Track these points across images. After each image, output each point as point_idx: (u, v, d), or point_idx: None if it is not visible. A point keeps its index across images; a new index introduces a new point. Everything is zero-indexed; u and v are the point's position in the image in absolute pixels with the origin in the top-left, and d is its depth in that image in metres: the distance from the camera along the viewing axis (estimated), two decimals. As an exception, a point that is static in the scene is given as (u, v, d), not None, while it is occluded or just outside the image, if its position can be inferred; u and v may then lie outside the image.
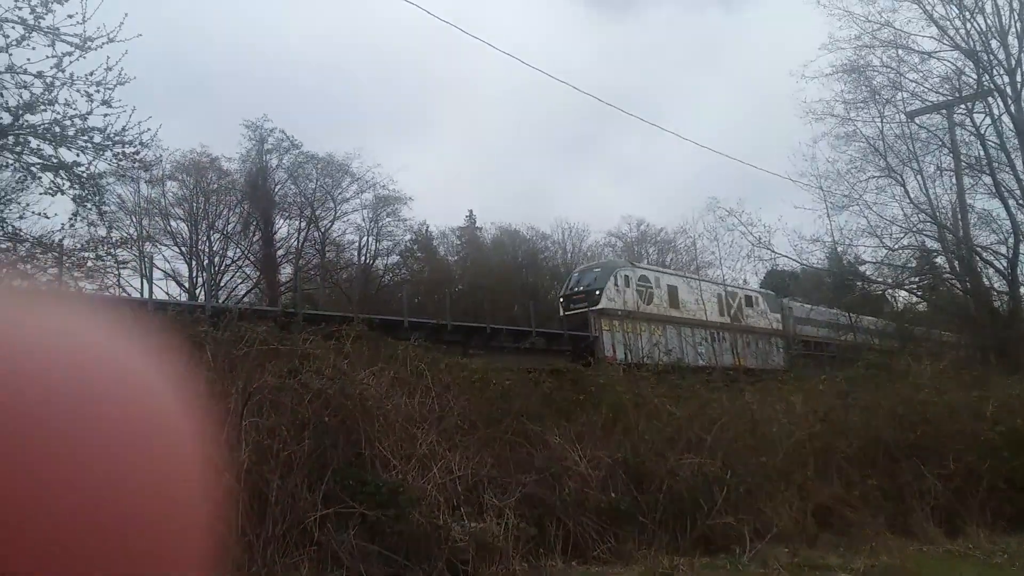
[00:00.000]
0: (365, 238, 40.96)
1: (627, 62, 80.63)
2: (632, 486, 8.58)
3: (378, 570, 6.50)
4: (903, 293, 26.26)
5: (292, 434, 7.35)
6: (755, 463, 9.42)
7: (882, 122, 22.48)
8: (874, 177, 22.88)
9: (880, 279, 25.52)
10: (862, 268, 26.68)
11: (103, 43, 7.14)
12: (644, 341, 25.28)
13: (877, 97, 22.39)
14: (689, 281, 28.84)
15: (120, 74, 7.34)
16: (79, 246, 8.41)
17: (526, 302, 33.53)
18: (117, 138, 7.66)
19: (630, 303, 26.25)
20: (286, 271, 37.73)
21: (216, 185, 35.47)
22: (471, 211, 54.54)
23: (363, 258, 41.31)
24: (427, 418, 8.63)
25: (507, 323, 24.24)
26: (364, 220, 40.58)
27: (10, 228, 7.58)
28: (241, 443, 6.97)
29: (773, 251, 24.67)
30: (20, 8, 6.81)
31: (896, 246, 23.10)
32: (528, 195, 73.29)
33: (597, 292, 26.18)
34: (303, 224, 38.59)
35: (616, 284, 26.63)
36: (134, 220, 33.31)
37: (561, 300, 28.57)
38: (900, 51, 22.19)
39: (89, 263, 8.70)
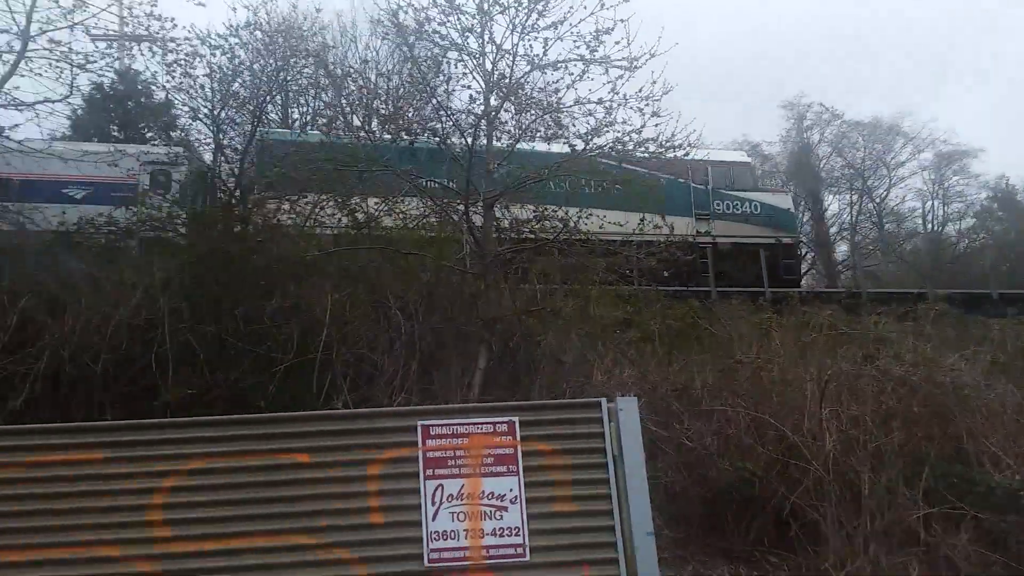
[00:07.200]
0: (929, 202, 36.54)
1: None
2: None
3: (1004, 584, 5.70)
4: None
5: (877, 424, 6.99)
6: None
7: None
8: None
9: None
10: None
11: (646, 60, 7.89)
12: None
13: None
14: None
15: (664, 84, 8.00)
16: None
17: None
18: (668, 144, 8.33)
19: None
20: (842, 249, 36.05)
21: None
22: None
23: (930, 225, 36.84)
24: (1046, 410, 7.24)
25: None
26: (925, 183, 36.20)
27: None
28: (824, 432, 6.93)
29: None
30: (578, 47, 8.02)
31: None
32: None
33: None
34: (854, 197, 36.26)
35: None
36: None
37: None
38: None
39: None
